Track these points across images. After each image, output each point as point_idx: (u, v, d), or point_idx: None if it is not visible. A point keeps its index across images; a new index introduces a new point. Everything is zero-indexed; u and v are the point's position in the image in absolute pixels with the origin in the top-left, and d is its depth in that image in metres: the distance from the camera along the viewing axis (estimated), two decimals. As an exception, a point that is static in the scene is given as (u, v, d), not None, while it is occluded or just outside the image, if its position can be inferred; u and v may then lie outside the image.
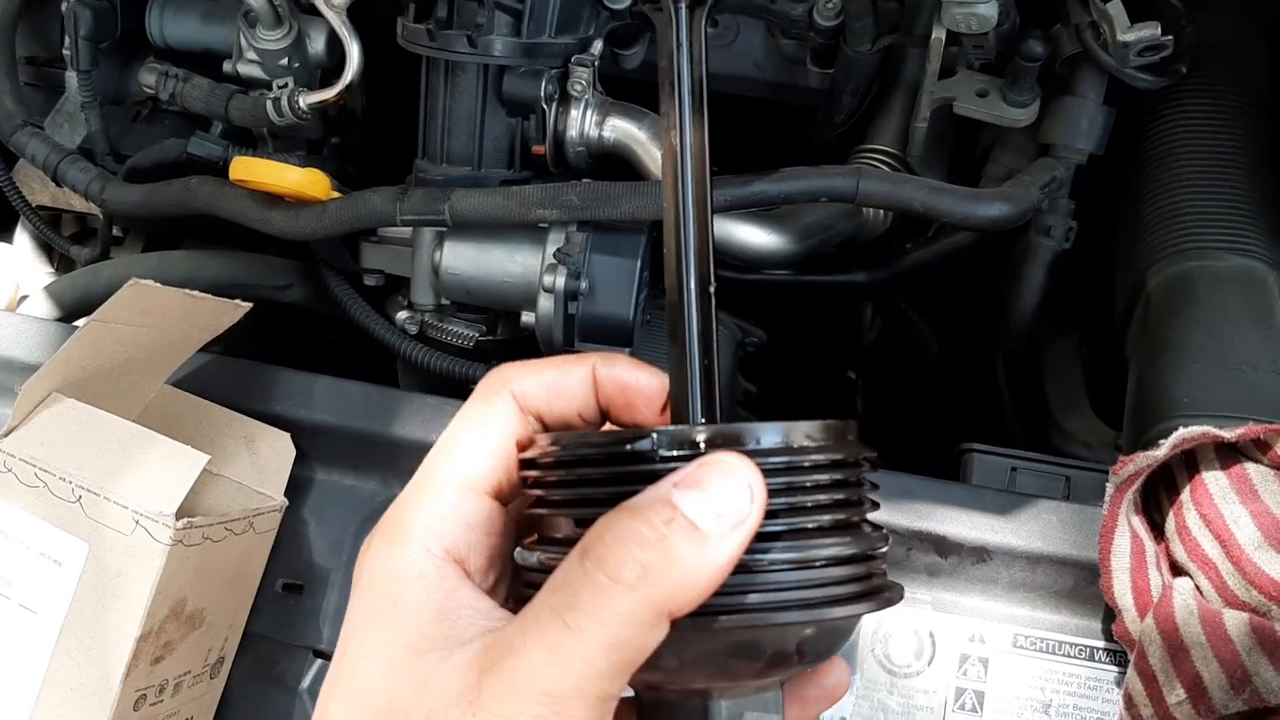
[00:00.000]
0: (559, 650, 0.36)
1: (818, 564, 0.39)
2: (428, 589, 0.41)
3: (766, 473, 0.38)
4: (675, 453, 0.39)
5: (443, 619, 0.41)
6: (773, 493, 0.38)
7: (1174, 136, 0.95)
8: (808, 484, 0.40)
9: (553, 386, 0.45)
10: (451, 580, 0.42)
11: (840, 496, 0.40)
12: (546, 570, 0.39)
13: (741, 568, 0.37)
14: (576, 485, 0.41)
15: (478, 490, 0.44)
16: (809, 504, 0.39)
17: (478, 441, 0.44)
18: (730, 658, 0.39)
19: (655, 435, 0.39)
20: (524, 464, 0.44)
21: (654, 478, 0.38)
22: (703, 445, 0.39)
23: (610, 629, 0.36)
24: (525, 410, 0.45)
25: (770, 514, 0.38)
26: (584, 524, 0.38)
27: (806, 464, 0.40)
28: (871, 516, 0.42)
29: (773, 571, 0.38)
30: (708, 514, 0.36)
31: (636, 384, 0.45)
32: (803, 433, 0.40)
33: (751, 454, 0.38)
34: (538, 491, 0.43)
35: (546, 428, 0.46)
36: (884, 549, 0.42)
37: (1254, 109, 0.96)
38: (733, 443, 0.39)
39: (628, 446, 0.39)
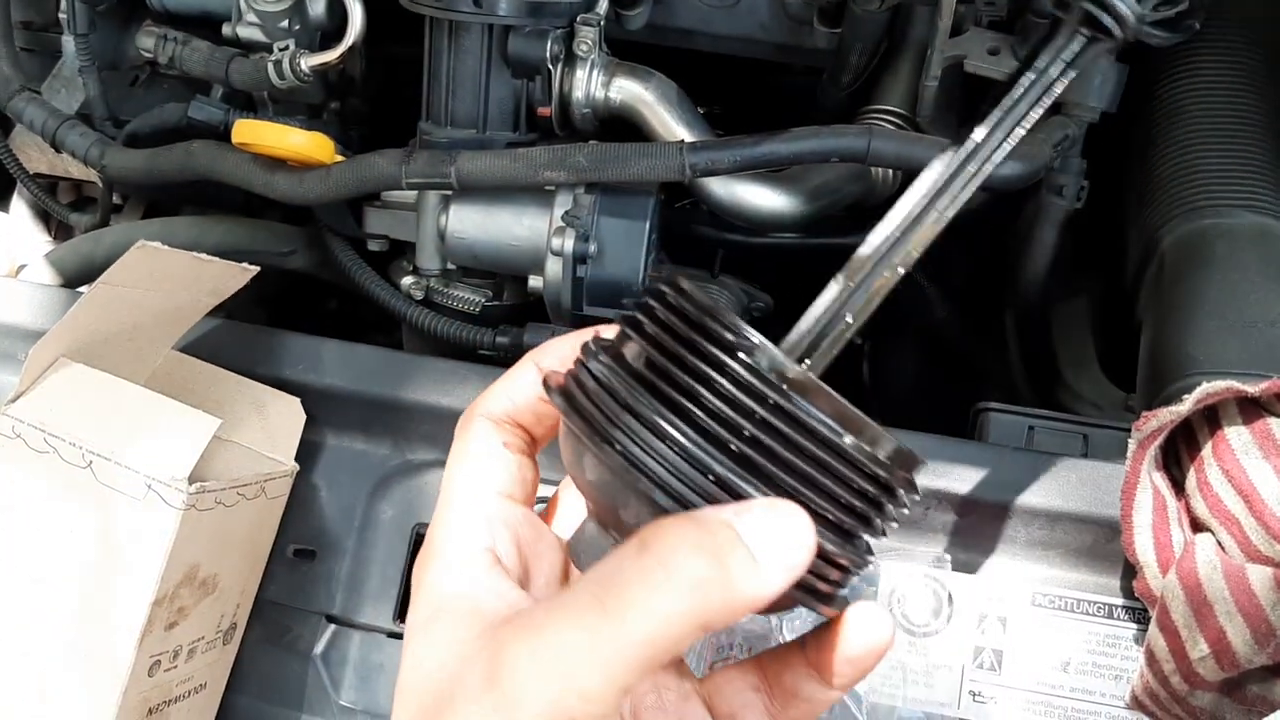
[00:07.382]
0: (593, 633, 0.36)
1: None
2: (474, 594, 0.43)
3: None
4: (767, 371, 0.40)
5: (476, 610, 0.42)
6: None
7: (1187, 94, 0.94)
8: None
9: (517, 402, 0.48)
10: (491, 580, 0.43)
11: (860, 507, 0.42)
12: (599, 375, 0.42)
13: None
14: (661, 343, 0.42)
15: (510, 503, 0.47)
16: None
17: (490, 477, 0.47)
18: None
19: (760, 350, 0.40)
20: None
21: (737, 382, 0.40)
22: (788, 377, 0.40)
23: (652, 624, 0.36)
24: (516, 428, 0.48)
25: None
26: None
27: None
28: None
29: None
30: (768, 551, 0.37)
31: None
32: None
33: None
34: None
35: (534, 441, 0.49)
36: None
37: (1267, 66, 0.95)
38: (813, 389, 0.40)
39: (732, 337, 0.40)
